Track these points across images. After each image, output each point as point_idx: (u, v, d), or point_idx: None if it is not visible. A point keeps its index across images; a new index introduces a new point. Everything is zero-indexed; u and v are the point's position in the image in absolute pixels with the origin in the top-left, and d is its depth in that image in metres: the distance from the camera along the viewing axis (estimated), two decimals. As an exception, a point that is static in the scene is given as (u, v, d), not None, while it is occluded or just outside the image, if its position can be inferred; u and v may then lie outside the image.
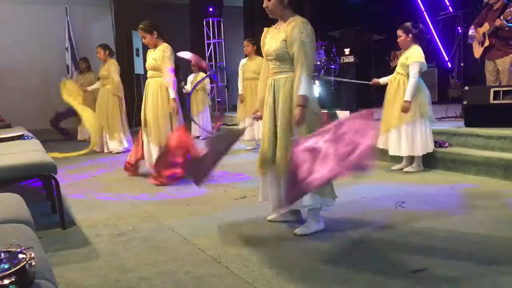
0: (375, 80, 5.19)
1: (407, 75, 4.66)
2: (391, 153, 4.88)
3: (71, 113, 8.32)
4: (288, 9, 3.03)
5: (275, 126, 3.05)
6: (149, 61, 4.95)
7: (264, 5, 3.05)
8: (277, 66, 3.06)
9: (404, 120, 4.67)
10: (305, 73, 2.92)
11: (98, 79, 8.49)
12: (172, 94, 4.80)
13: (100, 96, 7.33)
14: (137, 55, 10.32)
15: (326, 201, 3.06)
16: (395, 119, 4.73)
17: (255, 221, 3.37)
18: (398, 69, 4.81)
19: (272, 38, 3.08)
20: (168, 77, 4.82)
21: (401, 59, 4.76)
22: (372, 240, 2.88)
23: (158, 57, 4.82)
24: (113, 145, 7.19)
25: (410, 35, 4.68)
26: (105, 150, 7.23)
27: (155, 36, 4.88)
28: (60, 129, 9.39)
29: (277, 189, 3.06)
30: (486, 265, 2.42)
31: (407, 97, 4.61)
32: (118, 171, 5.55)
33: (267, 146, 3.09)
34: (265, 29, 3.24)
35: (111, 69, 7.15)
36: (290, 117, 2.97)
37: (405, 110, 4.63)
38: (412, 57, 4.63)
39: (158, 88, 4.86)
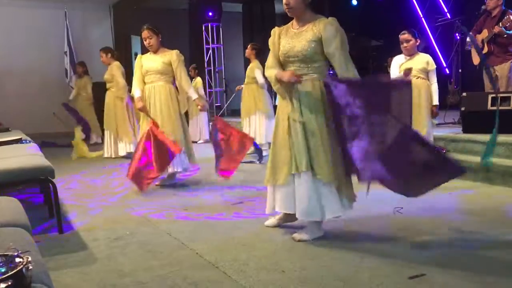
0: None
1: (428, 79, 4.73)
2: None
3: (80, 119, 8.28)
4: (308, 8, 2.94)
5: (305, 129, 2.90)
6: (157, 65, 4.74)
7: (284, 1, 2.92)
8: (301, 68, 2.93)
9: (425, 124, 4.71)
10: (355, 71, 2.85)
11: (93, 84, 8.49)
12: (195, 94, 4.84)
13: (107, 100, 7.17)
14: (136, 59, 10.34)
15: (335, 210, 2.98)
16: (423, 123, 4.70)
17: (252, 226, 3.37)
18: (417, 73, 4.68)
19: (294, 39, 2.94)
20: (188, 81, 4.84)
21: (419, 64, 4.69)
22: (369, 245, 2.87)
23: (174, 61, 4.74)
24: (122, 148, 7.03)
25: (419, 40, 4.73)
26: (113, 155, 7.04)
27: (160, 39, 4.82)
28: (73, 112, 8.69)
29: (306, 192, 2.90)
30: (484, 271, 2.42)
31: (436, 101, 4.72)
32: (120, 177, 5.52)
33: (289, 152, 2.92)
34: (276, 29, 3.10)
35: (114, 72, 6.97)
36: (327, 122, 2.89)
37: (435, 115, 4.80)
38: (432, 62, 4.72)
39: (168, 93, 4.77)
